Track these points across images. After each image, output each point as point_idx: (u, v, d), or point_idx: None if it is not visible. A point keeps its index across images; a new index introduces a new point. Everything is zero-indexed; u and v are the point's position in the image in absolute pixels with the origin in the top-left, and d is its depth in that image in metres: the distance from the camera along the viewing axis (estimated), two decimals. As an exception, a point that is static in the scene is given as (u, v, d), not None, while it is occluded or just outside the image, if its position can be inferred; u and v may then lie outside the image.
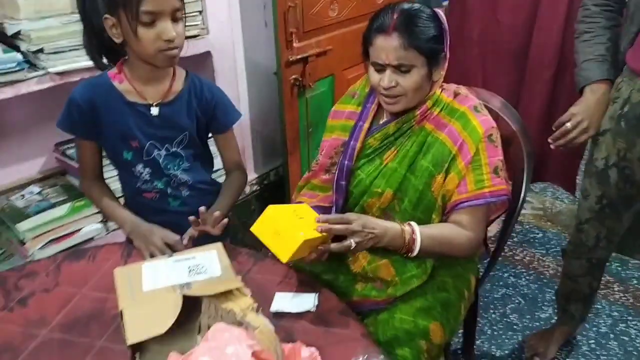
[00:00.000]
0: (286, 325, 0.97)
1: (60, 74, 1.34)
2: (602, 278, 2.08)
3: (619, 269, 2.20)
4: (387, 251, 1.23)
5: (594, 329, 1.91)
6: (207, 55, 1.73)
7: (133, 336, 0.86)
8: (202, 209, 1.14)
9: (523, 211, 2.54)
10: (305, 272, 1.23)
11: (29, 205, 1.52)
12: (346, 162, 1.30)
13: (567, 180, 2.48)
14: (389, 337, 1.17)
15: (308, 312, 1.00)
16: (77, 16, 1.35)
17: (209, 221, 1.14)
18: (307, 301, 1.02)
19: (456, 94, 1.26)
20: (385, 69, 1.15)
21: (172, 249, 1.14)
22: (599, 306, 2.00)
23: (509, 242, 2.37)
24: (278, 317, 0.99)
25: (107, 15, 1.07)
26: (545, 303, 2.02)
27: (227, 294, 0.93)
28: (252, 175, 2.20)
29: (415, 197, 1.22)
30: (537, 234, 2.43)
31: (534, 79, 2.33)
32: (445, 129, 1.20)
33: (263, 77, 2.05)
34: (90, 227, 1.55)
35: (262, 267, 1.14)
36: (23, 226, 1.44)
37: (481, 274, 1.47)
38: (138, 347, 0.87)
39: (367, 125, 1.30)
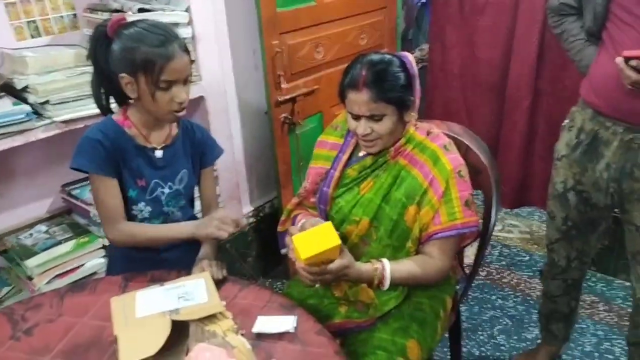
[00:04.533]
0: (267, 346, 1.06)
1: (66, 122, 1.47)
2: (587, 298, 2.16)
3: (604, 289, 2.27)
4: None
5: (579, 347, 1.97)
6: (201, 99, 1.87)
7: (126, 358, 0.96)
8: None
9: (510, 235, 2.66)
10: (293, 297, 1.34)
11: (36, 243, 1.64)
12: (324, 188, 1.42)
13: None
14: (369, 355, 1.26)
15: (287, 332, 1.09)
16: (80, 69, 1.51)
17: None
18: (286, 323, 1.11)
19: (429, 133, 1.37)
20: (360, 118, 1.27)
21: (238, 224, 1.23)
22: (583, 325, 2.06)
23: (496, 266, 2.45)
24: (260, 338, 1.08)
25: (124, 75, 1.19)
26: (532, 324, 2.09)
27: (211, 317, 1.03)
28: (247, 208, 2.32)
29: (390, 226, 1.33)
30: (524, 256, 2.51)
31: (513, 109, 2.46)
32: (417, 165, 1.32)
33: (255, 116, 2.19)
34: (93, 261, 1.66)
35: (248, 293, 1.23)
36: (31, 263, 1.55)
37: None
38: (131, 369, 0.97)
39: (346, 157, 1.42)
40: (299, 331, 1.11)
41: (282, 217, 1.56)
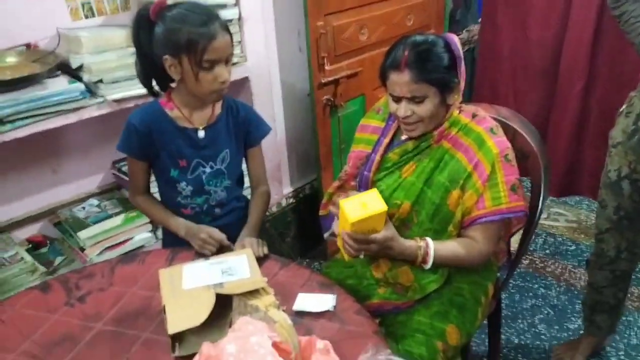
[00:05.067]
0: (306, 323, 1.09)
1: (117, 101, 1.53)
2: (635, 290, 2.08)
3: (653, 280, 2.19)
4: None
5: (625, 340, 1.91)
6: (245, 80, 1.90)
7: (173, 327, 1.00)
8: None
9: (556, 223, 2.59)
10: (331, 277, 1.36)
11: (88, 216, 1.72)
12: (365, 172, 1.42)
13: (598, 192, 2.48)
14: (407, 337, 1.27)
15: (327, 311, 1.11)
16: (131, 50, 1.54)
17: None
18: (326, 301, 1.13)
19: (474, 116, 1.34)
20: (401, 100, 1.26)
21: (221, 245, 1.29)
22: (630, 318, 2.00)
23: (540, 254, 2.40)
24: (300, 315, 1.11)
25: (167, 57, 1.22)
26: (575, 314, 2.04)
27: (254, 293, 1.06)
28: (287, 189, 2.34)
29: (431, 210, 1.32)
30: (570, 246, 2.44)
31: (564, 93, 2.37)
32: (462, 149, 1.29)
33: (298, 98, 2.20)
34: (141, 235, 1.73)
35: (288, 271, 1.26)
36: (83, 234, 1.63)
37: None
38: (177, 338, 1.02)
39: (387, 141, 1.41)
40: (338, 310, 1.12)
41: (323, 201, 1.57)
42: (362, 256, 1.23)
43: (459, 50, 1.28)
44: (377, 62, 2.22)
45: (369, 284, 1.40)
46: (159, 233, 1.75)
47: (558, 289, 2.19)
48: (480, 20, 2.82)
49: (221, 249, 1.30)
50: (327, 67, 2.04)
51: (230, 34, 1.26)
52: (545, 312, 2.07)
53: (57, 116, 1.44)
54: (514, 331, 1.98)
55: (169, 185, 1.39)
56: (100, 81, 1.51)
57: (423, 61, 1.21)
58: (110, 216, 1.71)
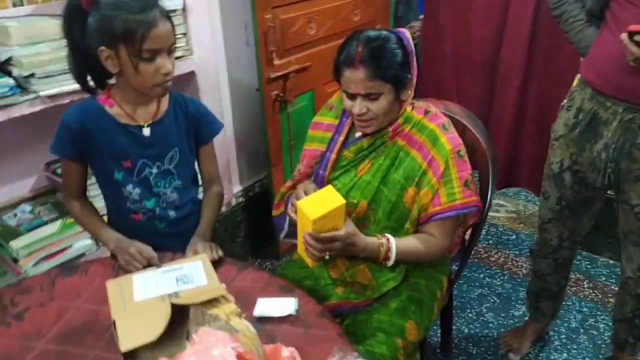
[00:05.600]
0: (269, 329, 1.05)
1: (51, 97, 1.41)
2: (572, 276, 2.20)
3: (588, 266, 2.31)
4: (363, 257, 1.34)
5: (565, 324, 2.01)
6: (191, 74, 1.81)
7: (126, 343, 0.93)
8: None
9: (497, 214, 2.69)
10: (288, 279, 1.32)
11: (21, 223, 1.58)
12: (321, 171, 1.39)
13: (537, 184, 2.59)
14: (368, 336, 1.26)
15: (289, 315, 1.08)
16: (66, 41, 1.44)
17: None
18: (288, 305, 1.10)
19: (426, 112, 1.34)
20: (356, 97, 1.24)
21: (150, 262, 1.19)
22: (569, 303, 2.11)
23: (484, 244, 2.48)
24: (261, 321, 1.07)
25: (103, 48, 1.13)
26: (519, 301, 2.13)
27: (212, 301, 1.00)
28: (237, 188, 2.28)
29: (388, 208, 1.31)
30: (511, 235, 2.54)
31: (504, 89, 2.45)
32: (416, 146, 1.30)
33: (246, 93, 2.13)
34: (81, 243, 1.61)
35: (245, 275, 1.21)
36: (16, 244, 1.49)
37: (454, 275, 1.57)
38: (130, 355, 0.94)
39: (342, 138, 1.39)
40: (300, 313, 1.09)
41: (276, 201, 1.53)
42: (327, 257, 1.19)
43: (411, 45, 1.28)
44: (325, 56, 2.22)
45: (326, 284, 1.38)
46: (101, 239, 1.64)
47: (502, 277, 2.27)
48: (421, 17, 2.87)
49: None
50: (275, 62, 1.99)
51: (172, 22, 1.18)
52: (492, 300, 2.14)
53: (-17, 114, 1.30)
54: (463, 321, 2.04)
55: (114, 190, 1.29)
56: (32, 75, 1.38)
57: (377, 58, 1.20)
58: (45, 223, 1.58)
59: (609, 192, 1.54)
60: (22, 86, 1.39)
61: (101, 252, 1.64)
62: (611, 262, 2.32)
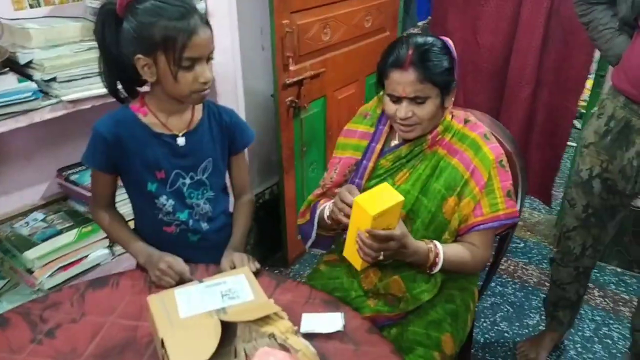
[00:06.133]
0: (317, 346, 1.00)
1: (73, 102, 1.34)
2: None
3: (597, 275, 2.33)
4: (396, 267, 1.31)
5: (579, 333, 2.02)
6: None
7: (178, 363, 0.88)
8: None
9: (505, 222, 2.68)
10: (316, 290, 1.28)
11: (34, 232, 1.51)
12: (357, 180, 1.36)
13: (543, 192, 2.62)
14: (405, 350, 1.23)
15: (337, 331, 1.04)
16: (87, 44, 1.39)
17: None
18: (335, 321, 1.06)
19: (466, 121, 1.33)
20: (402, 100, 1.22)
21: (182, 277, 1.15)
22: (582, 311, 2.11)
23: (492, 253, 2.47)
24: (308, 338, 1.02)
25: (140, 56, 1.08)
26: (532, 310, 2.13)
27: (264, 318, 0.97)
28: (247, 195, 2.23)
29: (427, 219, 1.29)
30: (519, 243, 2.55)
31: (512, 97, 2.46)
32: (457, 155, 1.28)
33: (260, 99, 2.09)
34: (97, 252, 1.55)
35: (285, 289, 1.17)
36: (32, 254, 1.42)
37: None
38: (180, 374, 0.90)
39: (379, 147, 1.36)
40: (347, 329, 1.06)
41: (302, 208, 1.49)
42: (381, 257, 1.14)
43: (454, 52, 1.26)
44: (338, 62, 2.20)
45: (357, 296, 1.34)
46: (118, 249, 1.58)
47: (514, 286, 2.27)
48: (420, 23, 2.88)
49: (181, 283, 1.14)
50: (291, 68, 1.96)
51: (211, 28, 1.14)
52: (505, 309, 2.14)
53: (5, 119, 1.23)
54: (478, 330, 2.03)
55: (147, 202, 1.24)
56: (54, 79, 1.32)
57: (428, 61, 1.19)
58: (60, 232, 1.51)
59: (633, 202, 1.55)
60: (43, 90, 1.32)
61: (117, 262, 1.58)
62: (619, 270, 2.35)
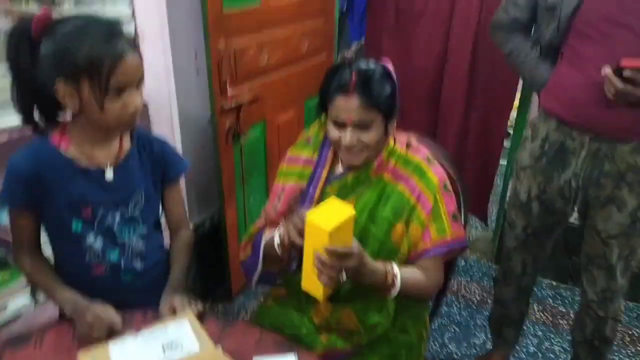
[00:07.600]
0: (272, 394, 0.94)
1: (-15, 134, 1.20)
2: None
3: (535, 289, 2.38)
4: (348, 299, 1.26)
5: (524, 349, 2.06)
6: (143, 107, 1.65)
7: None
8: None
9: (445, 241, 2.72)
10: (265, 328, 1.20)
11: (-61, 282, 1.33)
12: (303, 209, 1.30)
13: (479, 209, 2.69)
14: (361, 386, 1.18)
15: (292, 375, 0.98)
16: (4, 67, 1.24)
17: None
18: (288, 364, 0.99)
19: (407, 145, 1.32)
20: (346, 126, 1.18)
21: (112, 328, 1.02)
22: (524, 327, 2.15)
23: (438, 273, 2.49)
24: (261, 386, 0.95)
25: (60, 83, 0.98)
26: (478, 329, 2.15)
27: (212, 370, 0.88)
28: (184, 226, 2.10)
29: (376, 247, 1.25)
30: (460, 262, 2.59)
31: (446, 119, 2.52)
32: (402, 180, 1.26)
33: (196, 125, 1.99)
34: (18, 302, 1.38)
35: (233, 332, 1.08)
36: (-63, 308, 1.25)
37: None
38: None
39: (325, 174, 1.31)
40: (302, 371, 0.99)
41: (243, 242, 1.40)
42: (344, 278, 1.05)
43: (395, 77, 1.25)
44: (277, 86, 2.16)
45: (308, 333, 1.28)
46: (41, 297, 1.42)
47: (458, 305, 2.29)
48: (354, 44, 2.91)
49: (112, 334, 1.02)
50: (229, 92, 1.88)
51: (140, 52, 1.05)
52: (452, 330, 2.15)
53: None
54: (429, 354, 2.01)
55: (71, 242, 1.11)
56: (-39, 110, 1.17)
57: (372, 87, 1.16)
58: (-29, 280, 1.34)
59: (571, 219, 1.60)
60: (-52, 121, 1.17)
61: (40, 312, 1.42)
62: (554, 283, 2.43)
